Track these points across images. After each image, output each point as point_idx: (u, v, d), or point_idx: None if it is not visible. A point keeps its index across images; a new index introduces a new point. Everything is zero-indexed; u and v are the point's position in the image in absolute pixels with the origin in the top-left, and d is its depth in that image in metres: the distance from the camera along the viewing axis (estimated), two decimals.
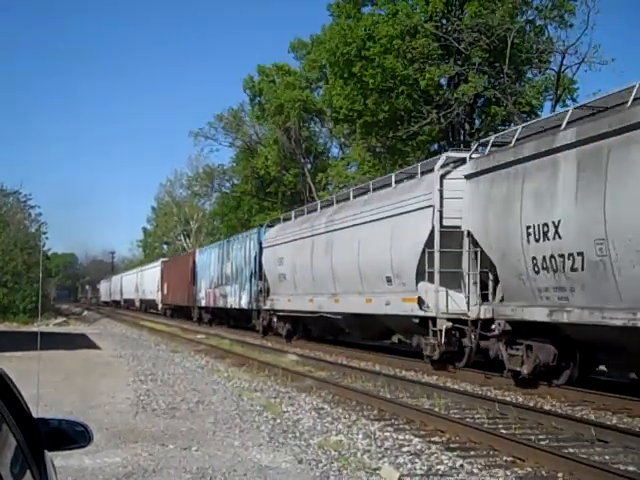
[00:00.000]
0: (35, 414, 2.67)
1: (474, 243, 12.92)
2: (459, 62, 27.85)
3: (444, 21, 28.24)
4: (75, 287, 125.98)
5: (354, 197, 19.14)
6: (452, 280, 13.73)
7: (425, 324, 14.49)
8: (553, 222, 10.32)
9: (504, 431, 8.47)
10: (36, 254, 35.90)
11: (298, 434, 8.43)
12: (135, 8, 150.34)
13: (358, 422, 9.25)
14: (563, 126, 10.56)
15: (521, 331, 11.81)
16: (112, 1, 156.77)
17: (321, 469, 6.74)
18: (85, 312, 61.81)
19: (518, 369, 11.69)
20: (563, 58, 26.77)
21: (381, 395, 11.43)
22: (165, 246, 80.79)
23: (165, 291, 43.71)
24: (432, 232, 13.95)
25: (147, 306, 52.16)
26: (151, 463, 6.88)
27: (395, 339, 20.83)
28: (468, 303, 13.16)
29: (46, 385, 10.36)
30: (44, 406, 8.48)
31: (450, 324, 13.69)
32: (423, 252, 14.18)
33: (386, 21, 28.66)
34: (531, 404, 10.58)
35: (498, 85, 27.37)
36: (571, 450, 7.48)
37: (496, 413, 9.81)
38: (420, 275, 14.43)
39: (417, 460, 7.10)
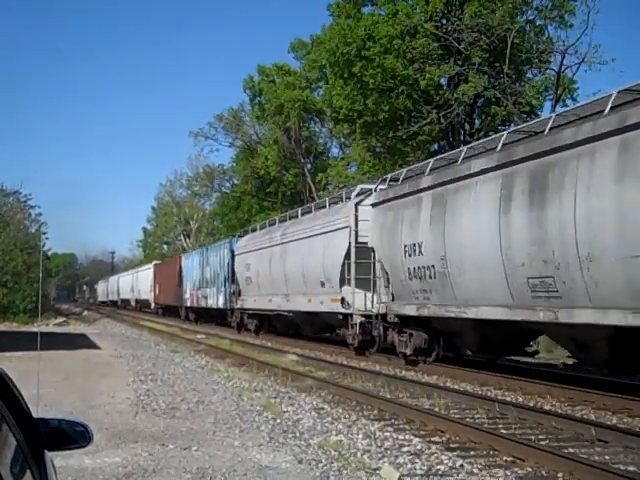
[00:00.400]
0: (35, 414, 2.67)
1: (377, 256, 16.69)
2: (459, 62, 27.86)
3: (444, 21, 28.25)
4: (73, 287, 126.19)
5: (302, 214, 23.35)
6: (366, 284, 17.16)
7: (346, 319, 18.18)
8: (418, 243, 14.32)
9: (504, 431, 8.47)
10: (36, 254, 35.90)
11: (298, 434, 8.43)
12: (135, 8, 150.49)
13: (358, 422, 9.25)
14: (426, 172, 14.75)
15: (407, 323, 15.58)
16: (112, 1, 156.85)
17: (321, 469, 6.74)
18: (85, 312, 61.78)
19: (404, 351, 15.58)
20: (563, 58, 26.81)
21: (381, 395, 11.43)
22: (165, 246, 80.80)
23: (157, 292, 47.14)
24: (349, 247, 17.85)
25: (142, 305, 55.14)
26: (151, 463, 6.89)
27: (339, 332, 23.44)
28: (372, 302, 17.03)
29: (46, 385, 10.36)
30: (44, 406, 8.49)
31: (363, 319, 17.46)
32: (344, 262, 18.05)
33: (386, 21, 28.67)
34: (531, 404, 10.59)
35: (498, 85, 27.38)
36: (571, 450, 7.48)
37: (496, 413, 9.81)
38: (342, 280, 18.21)
39: (417, 460, 7.10)
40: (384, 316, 16.40)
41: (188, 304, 38.22)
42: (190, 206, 69.32)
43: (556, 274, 10.19)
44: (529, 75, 30.44)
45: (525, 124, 14.17)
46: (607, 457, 7.24)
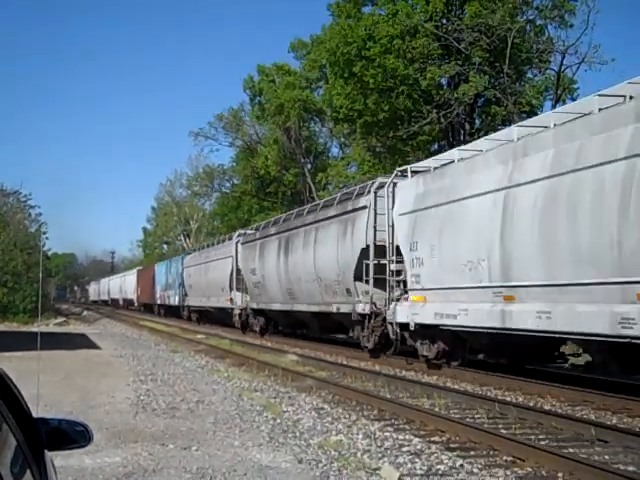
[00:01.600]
0: (35, 414, 2.67)
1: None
2: (459, 62, 27.86)
3: (444, 21, 28.25)
4: (64, 288, 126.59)
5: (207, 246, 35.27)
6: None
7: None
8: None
9: (504, 431, 8.47)
10: (36, 254, 35.89)
11: (298, 434, 8.43)
12: (135, 8, 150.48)
13: (358, 422, 9.25)
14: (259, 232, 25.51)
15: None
16: (112, 1, 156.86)
17: (321, 469, 6.74)
18: (85, 312, 61.84)
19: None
20: (563, 58, 26.82)
21: (381, 395, 11.43)
22: (165, 246, 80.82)
23: (139, 293, 57.26)
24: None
25: (128, 304, 64.04)
26: (151, 463, 6.88)
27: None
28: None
29: (46, 385, 10.36)
30: (44, 406, 8.49)
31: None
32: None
33: (386, 21, 28.68)
34: (531, 404, 10.58)
35: (498, 85, 27.38)
36: (571, 450, 7.48)
37: (496, 413, 9.81)
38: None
39: (417, 460, 7.10)
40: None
41: (159, 302, 48.29)
42: (190, 206, 69.34)
43: (294, 287, 21.94)
44: (529, 75, 30.50)
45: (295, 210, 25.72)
46: (607, 457, 7.24)
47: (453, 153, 14.71)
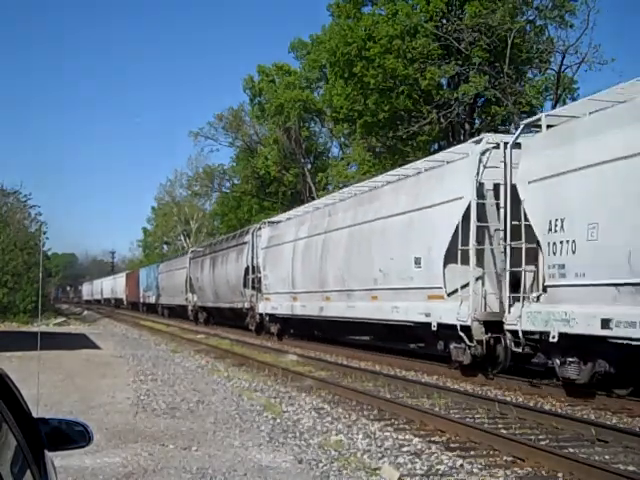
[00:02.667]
0: (35, 414, 2.67)
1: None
2: (459, 62, 27.86)
3: (444, 21, 28.24)
4: (63, 288, 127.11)
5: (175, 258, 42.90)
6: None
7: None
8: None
9: (504, 431, 8.47)
10: (36, 254, 35.88)
11: (298, 434, 8.43)
12: (135, 8, 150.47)
13: (358, 422, 9.25)
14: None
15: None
16: (112, 1, 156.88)
17: (321, 469, 6.74)
18: (85, 312, 61.91)
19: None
20: (563, 58, 26.81)
21: (381, 395, 11.43)
22: (165, 246, 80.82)
23: (127, 293, 64.99)
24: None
25: (119, 303, 70.62)
26: (151, 463, 6.89)
27: None
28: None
29: (46, 385, 10.37)
30: (44, 406, 8.49)
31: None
32: None
33: (386, 21, 28.68)
34: (531, 404, 10.58)
35: (498, 85, 27.37)
36: (571, 450, 7.48)
37: (496, 413, 9.81)
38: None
39: (417, 460, 7.10)
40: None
41: (142, 301, 56.39)
42: (190, 206, 69.32)
43: (219, 290, 31.41)
44: (529, 75, 30.48)
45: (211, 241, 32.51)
46: (607, 457, 7.24)
47: (290, 213, 25.30)
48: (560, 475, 6.45)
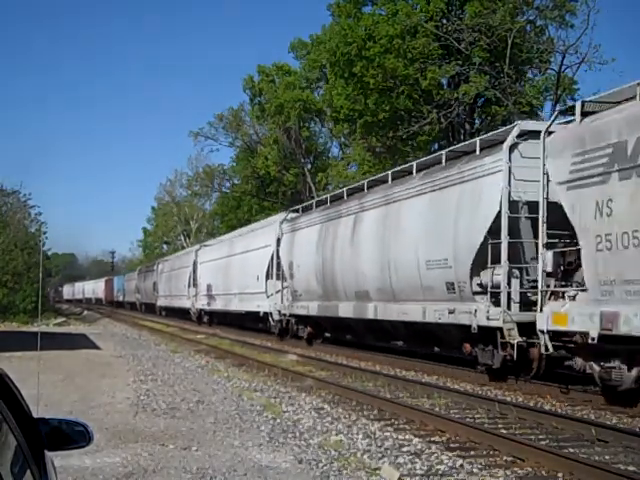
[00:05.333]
0: (35, 414, 2.67)
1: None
2: (459, 62, 27.85)
3: (444, 21, 28.23)
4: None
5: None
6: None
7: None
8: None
9: (504, 431, 8.47)
10: (36, 254, 35.88)
11: (298, 434, 8.43)
12: (135, 8, 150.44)
13: (358, 422, 9.25)
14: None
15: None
16: (113, 1, 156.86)
17: (321, 469, 6.74)
18: (85, 312, 61.99)
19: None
20: (563, 58, 26.81)
21: (381, 395, 11.43)
22: (165, 246, 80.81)
23: (106, 293, 79.96)
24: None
25: (100, 302, 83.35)
26: (151, 463, 6.88)
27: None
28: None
29: (46, 385, 10.36)
30: (44, 406, 8.48)
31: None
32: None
33: (386, 21, 28.67)
34: (531, 404, 10.58)
35: (498, 85, 27.36)
36: (571, 450, 7.48)
37: (496, 413, 9.81)
38: None
39: (417, 460, 7.10)
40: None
41: (115, 299, 72.57)
42: (190, 206, 69.34)
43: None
44: (529, 75, 30.48)
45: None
46: (607, 457, 7.24)
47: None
48: (560, 475, 6.45)
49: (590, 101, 10.38)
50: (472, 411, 10.08)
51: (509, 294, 11.84)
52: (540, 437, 8.25)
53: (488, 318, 12.12)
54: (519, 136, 12.14)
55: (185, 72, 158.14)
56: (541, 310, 10.61)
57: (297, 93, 41.89)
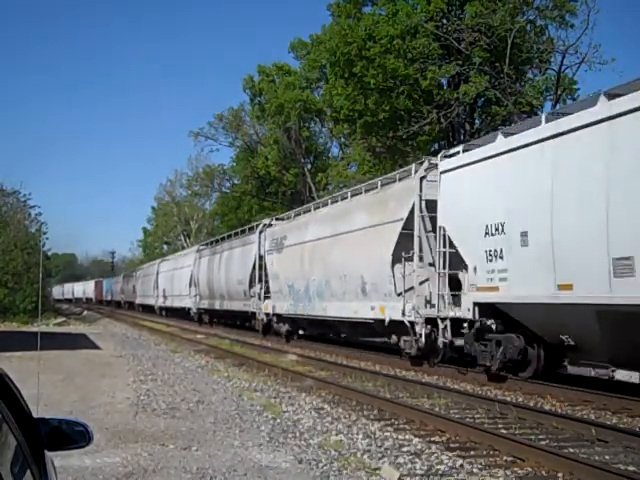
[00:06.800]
0: (35, 414, 2.67)
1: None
2: (459, 62, 27.85)
3: (444, 21, 28.23)
4: None
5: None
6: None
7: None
8: None
9: (504, 431, 8.47)
10: (36, 254, 35.87)
11: (298, 434, 8.43)
12: (135, 8, 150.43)
13: (358, 422, 9.25)
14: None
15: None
16: (113, 1, 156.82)
17: (321, 469, 6.74)
18: (85, 312, 61.96)
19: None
20: (563, 58, 26.81)
21: (381, 395, 11.43)
22: (165, 246, 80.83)
23: (96, 293, 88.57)
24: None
25: (90, 301, 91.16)
26: (151, 463, 6.88)
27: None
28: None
29: (46, 385, 10.37)
30: (44, 406, 8.49)
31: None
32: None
33: (386, 21, 28.67)
34: (531, 404, 10.59)
35: (498, 85, 27.36)
36: (571, 450, 7.48)
37: (496, 413, 9.81)
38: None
39: (417, 460, 7.10)
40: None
41: (104, 298, 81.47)
42: (190, 206, 69.35)
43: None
44: (529, 75, 30.47)
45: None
46: (607, 457, 7.24)
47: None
48: (560, 475, 6.45)
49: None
50: (472, 411, 10.08)
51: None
52: (540, 437, 8.25)
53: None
54: None
55: (185, 72, 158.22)
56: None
57: (297, 93, 41.90)
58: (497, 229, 11.99)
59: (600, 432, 8.03)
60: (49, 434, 2.62)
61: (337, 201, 19.96)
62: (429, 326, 14.18)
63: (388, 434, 8.41)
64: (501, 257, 11.86)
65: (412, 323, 14.62)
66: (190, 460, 7.00)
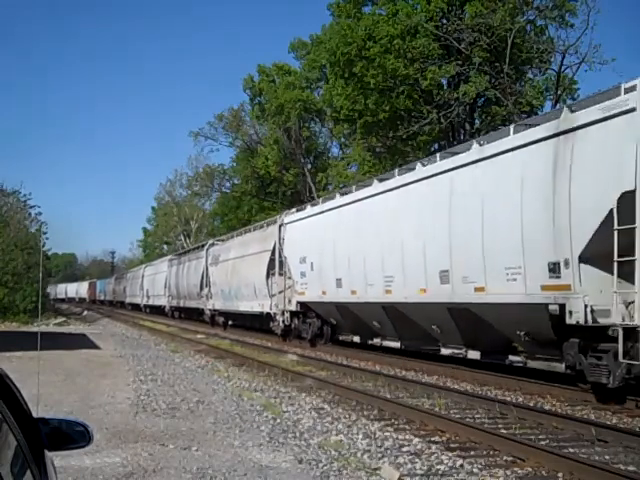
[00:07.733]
0: (35, 414, 2.67)
1: None
2: (459, 62, 27.85)
3: (444, 21, 28.24)
4: None
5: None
6: None
7: None
8: None
9: (504, 431, 8.47)
10: (36, 254, 35.85)
11: (298, 434, 8.43)
12: (135, 8, 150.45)
13: (358, 422, 9.25)
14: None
15: None
16: (112, 1, 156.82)
17: (321, 469, 6.74)
18: (85, 312, 61.94)
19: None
20: (563, 58, 26.80)
21: (381, 395, 11.44)
22: (165, 246, 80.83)
23: (89, 293, 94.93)
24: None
25: (83, 300, 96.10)
26: (151, 463, 6.88)
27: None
28: None
29: (46, 385, 10.37)
30: (44, 406, 8.49)
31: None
32: None
33: (386, 21, 28.67)
34: (531, 404, 10.59)
35: (498, 85, 27.36)
36: (571, 450, 7.48)
37: (496, 413, 9.82)
38: None
39: (417, 460, 7.10)
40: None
41: (97, 298, 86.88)
42: (190, 206, 69.33)
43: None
44: (529, 75, 30.46)
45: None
46: (607, 457, 7.25)
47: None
48: (560, 475, 6.46)
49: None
50: (472, 411, 10.08)
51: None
52: (540, 437, 8.25)
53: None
54: None
55: (185, 72, 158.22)
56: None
57: (297, 93, 41.91)
58: (304, 259, 20.90)
59: (600, 432, 8.03)
60: (49, 434, 2.62)
61: (248, 232, 29.86)
62: (286, 315, 22.40)
63: (388, 434, 8.41)
64: (305, 275, 20.75)
65: (275, 314, 23.30)
66: (190, 460, 7.00)
